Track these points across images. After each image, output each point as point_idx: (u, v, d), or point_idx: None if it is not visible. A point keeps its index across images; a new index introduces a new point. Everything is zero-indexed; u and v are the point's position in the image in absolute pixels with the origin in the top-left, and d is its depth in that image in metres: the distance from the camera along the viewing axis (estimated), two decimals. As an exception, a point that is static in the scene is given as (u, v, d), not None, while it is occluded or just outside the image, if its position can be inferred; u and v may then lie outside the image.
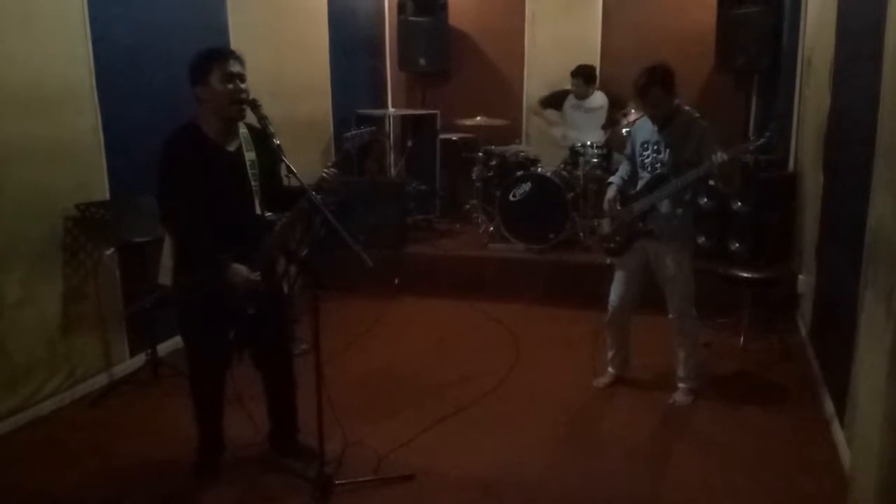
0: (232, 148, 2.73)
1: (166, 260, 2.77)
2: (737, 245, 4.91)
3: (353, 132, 2.99)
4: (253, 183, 2.75)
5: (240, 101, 2.65)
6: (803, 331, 4.45)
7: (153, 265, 3.83)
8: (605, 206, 3.64)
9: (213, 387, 2.92)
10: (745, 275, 4.18)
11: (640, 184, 3.52)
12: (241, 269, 2.65)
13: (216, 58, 2.63)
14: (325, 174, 2.78)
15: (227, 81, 2.61)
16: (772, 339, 4.32)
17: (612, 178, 3.73)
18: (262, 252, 2.74)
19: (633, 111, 5.47)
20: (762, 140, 3.21)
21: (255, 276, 2.68)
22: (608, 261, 3.80)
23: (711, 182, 3.32)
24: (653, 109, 3.38)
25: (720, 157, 3.14)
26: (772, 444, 3.20)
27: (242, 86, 2.66)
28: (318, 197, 2.66)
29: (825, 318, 3.84)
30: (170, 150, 2.64)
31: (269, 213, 2.84)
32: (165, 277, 2.78)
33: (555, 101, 6.25)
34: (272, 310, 2.88)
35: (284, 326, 3.01)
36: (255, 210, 2.78)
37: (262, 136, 2.76)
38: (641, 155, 3.51)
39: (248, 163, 2.75)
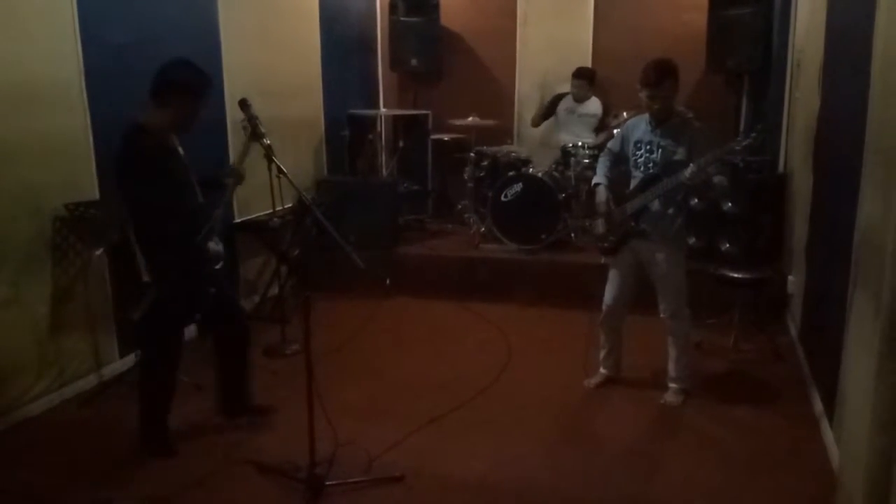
0: (173, 145, 2.91)
1: (140, 258, 2.88)
2: (727, 246, 4.93)
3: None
4: (191, 174, 2.97)
5: (195, 125, 2.88)
6: (793, 331, 4.48)
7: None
8: (599, 207, 3.65)
9: (174, 369, 3.08)
10: (736, 275, 4.20)
11: (633, 183, 3.53)
12: (215, 247, 2.86)
13: (210, 87, 2.82)
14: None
15: (204, 108, 2.83)
16: (762, 339, 4.34)
17: (597, 179, 3.70)
18: (214, 230, 2.92)
19: (625, 114, 5.50)
20: (748, 140, 3.21)
21: (220, 247, 2.90)
22: (603, 260, 3.81)
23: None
24: (662, 102, 3.34)
25: (689, 171, 3.19)
26: (762, 443, 3.22)
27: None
28: (310, 198, 2.72)
29: (814, 318, 3.86)
30: (137, 155, 2.74)
31: None
32: (146, 275, 2.89)
33: (549, 111, 6.25)
34: (222, 283, 3.13)
35: (232, 293, 3.33)
36: (199, 198, 2.97)
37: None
38: (634, 154, 3.51)
39: (182, 156, 2.95)
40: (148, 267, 2.85)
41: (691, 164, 3.21)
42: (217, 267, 2.93)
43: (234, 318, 3.23)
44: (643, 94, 3.34)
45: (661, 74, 3.28)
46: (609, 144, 3.75)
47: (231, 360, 3.27)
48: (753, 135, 3.22)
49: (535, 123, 6.38)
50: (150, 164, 2.72)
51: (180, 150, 2.94)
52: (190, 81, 2.77)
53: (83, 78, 3.70)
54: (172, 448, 3.11)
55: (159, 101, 2.76)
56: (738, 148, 3.22)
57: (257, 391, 3.53)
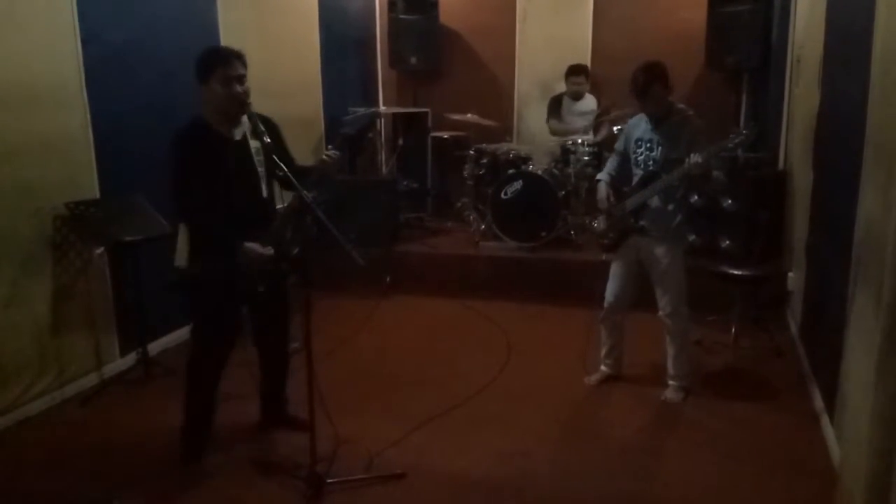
0: (238, 137, 2.87)
1: (182, 244, 2.87)
2: (727, 242, 4.93)
3: (352, 116, 3.11)
4: (259, 169, 2.90)
5: (239, 102, 2.79)
6: (793, 328, 4.48)
7: (144, 263, 3.83)
8: (600, 203, 3.66)
9: (215, 369, 3.01)
10: (736, 272, 4.20)
11: (634, 180, 3.54)
12: (253, 247, 2.78)
13: (218, 60, 2.77)
14: (325, 156, 2.96)
15: (226, 84, 2.75)
16: (762, 336, 4.35)
17: (600, 175, 3.74)
18: (273, 231, 2.88)
19: (617, 112, 5.54)
20: (740, 137, 3.22)
21: (268, 251, 2.82)
22: (604, 256, 3.82)
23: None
24: (653, 107, 3.38)
25: (694, 159, 3.19)
26: (762, 440, 3.22)
27: (241, 88, 2.78)
28: (312, 195, 2.72)
29: (815, 315, 3.86)
30: (179, 143, 2.77)
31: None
32: (181, 260, 2.88)
33: (555, 109, 6.20)
34: (280, 288, 3.05)
35: (288, 305, 3.17)
36: (261, 195, 2.93)
37: (269, 124, 2.93)
38: (635, 152, 3.53)
39: (253, 150, 2.89)
40: (189, 250, 2.86)
41: (693, 155, 3.21)
42: (266, 268, 2.84)
43: (277, 330, 3.17)
44: (636, 101, 3.38)
45: (646, 81, 3.31)
46: (616, 145, 3.76)
47: (269, 370, 3.21)
48: (745, 132, 3.23)
49: (555, 130, 6.20)
50: (187, 153, 2.75)
51: (254, 142, 2.88)
52: (207, 62, 2.76)
53: (83, 76, 3.70)
54: (200, 453, 3.03)
55: (201, 92, 2.80)
56: (730, 145, 3.24)
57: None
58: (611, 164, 3.72)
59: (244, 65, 2.81)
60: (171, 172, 2.77)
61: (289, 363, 3.21)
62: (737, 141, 3.22)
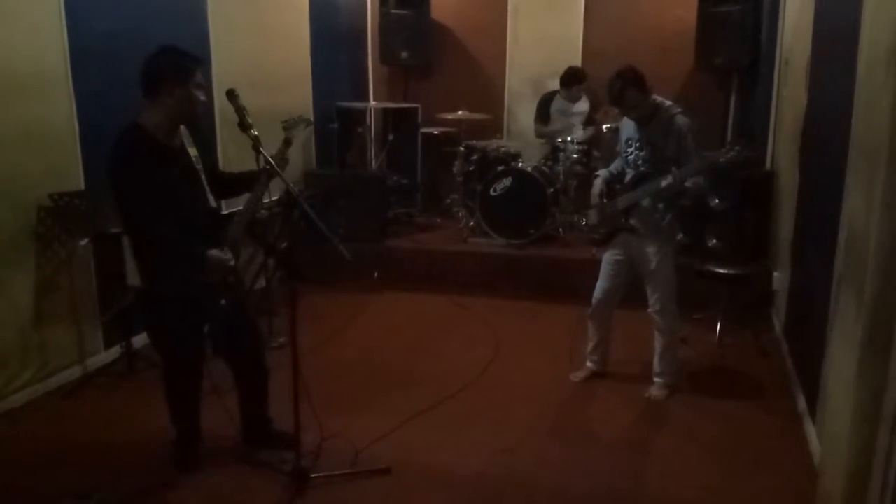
0: (177, 145, 2.73)
1: (131, 261, 2.72)
2: (714, 241, 4.96)
3: (290, 119, 3.02)
4: (202, 177, 2.79)
5: (198, 109, 2.71)
6: (778, 327, 4.51)
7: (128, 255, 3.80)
8: (593, 198, 3.70)
9: (191, 384, 2.91)
10: (721, 271, 4.23)
11: (626, 178, 3.56)
12: (216, 254, 2.66)
13: (196, 65, 2.66)
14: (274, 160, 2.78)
15: (197, 90, 2.65)
16: (747, 335, 4.38)
17: (599, 171, 3.79)
18: (230, 237, 2.76)
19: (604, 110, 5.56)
20: (731, 154, 3.23)
21: (230, 258, 2.70)
22: (594, 251, 3.84)
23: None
24: (633, 112, 3.41)
25: (675, 175, 3.25)
26: (745, 437, 3.25)
27: (203, 96, 2.70)
28: (298, 190, 2.68)
29: (799, 314, 3.89)
30: (125, 156, 2.58)
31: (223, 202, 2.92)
32: (134, 278, 2.74)
33: (543, 112, 6.17)
34: (240, 300, 2.92)
35: (252, 316, 3.05)
36: (209, 203, 2.81)
37: (196, 131, 2.82)
38: (626, 151, 3.55)
39: (193, 158, 2.77)
40: (138, 269, 2.70)
41: (670, 175, 3.27)
42: (227, 279, 2.72)
43: (245, 342, 2.97)
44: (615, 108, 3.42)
45: (621, 88, 3.32)
46: (618, 146, 3.78)
47: (245, 386, 3.04)
48: (738, 148, 3.25)
49: (541, 134, 6.19)
50: (138, 165, 2.56)
51: (192, 149, 2.77)
52: (172, 66, 2.62)
53: (69, 65, 3.66)
54: (194, 462, 2.95)
55: (150, 94, 2.62)
56: (721, 160, 3.26)
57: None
58: (615, 164, 3.74)
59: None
60: (119, 187, 2.58)
61: (267, 377, 3.04)
62: (729, 156, 3.24)
